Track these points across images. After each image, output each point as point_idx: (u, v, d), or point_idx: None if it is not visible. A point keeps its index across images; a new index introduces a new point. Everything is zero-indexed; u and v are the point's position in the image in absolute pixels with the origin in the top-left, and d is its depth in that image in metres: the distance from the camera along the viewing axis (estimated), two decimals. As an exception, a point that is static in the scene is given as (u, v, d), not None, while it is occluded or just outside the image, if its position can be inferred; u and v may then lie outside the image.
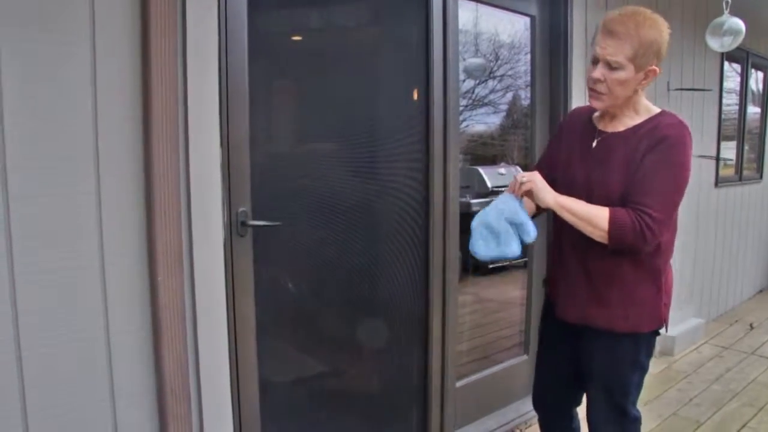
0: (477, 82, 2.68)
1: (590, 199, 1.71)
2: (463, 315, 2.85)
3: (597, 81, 1.67)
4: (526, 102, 3.01)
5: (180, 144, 1.60)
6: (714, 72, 4.34)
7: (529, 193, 1.69)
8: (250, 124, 1.81)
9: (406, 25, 2.30)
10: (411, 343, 2.46)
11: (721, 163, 4.60)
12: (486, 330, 3.14)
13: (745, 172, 5.14)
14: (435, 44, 2.29)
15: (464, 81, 2.58)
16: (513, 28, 2.88)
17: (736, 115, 5.02)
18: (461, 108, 2.56)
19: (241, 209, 1.81)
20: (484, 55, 2.83)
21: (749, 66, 4.94)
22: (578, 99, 2.95)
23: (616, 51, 1.62)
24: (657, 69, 1.66)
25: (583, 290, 1.79)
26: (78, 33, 1.43)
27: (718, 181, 4.56)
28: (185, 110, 1.61)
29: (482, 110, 2.71)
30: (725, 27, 3.13)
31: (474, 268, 3.09)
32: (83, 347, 1.49)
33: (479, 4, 2.61)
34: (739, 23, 3.11)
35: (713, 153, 4.41)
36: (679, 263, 4.08)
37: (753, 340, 4.24)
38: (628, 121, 1.74)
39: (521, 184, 1.69)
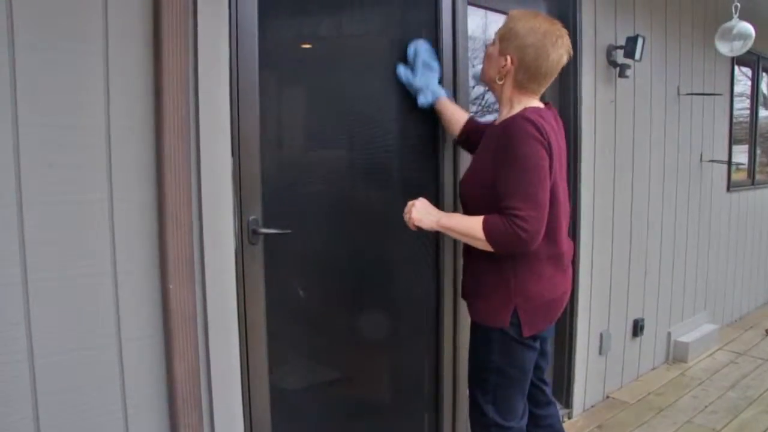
0: (487, 88, 2.68)
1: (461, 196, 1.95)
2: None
3: None
4: (535, 108, 3.00)
5: (192, 152, 1.61)
6: (724, 76, 4.32)
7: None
8: (260, 132, 1.81)
9: (416, 32, 2.30)
10: (422, 349, 2.45)
11: (733, 167, 4.57)
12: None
13: (758, 176, 5.09)
14: (444, 51, 2.29)
15: (474, 87, 2.57)
16: (522, 35, 2.87)
17: (748, 119, 4.98)
18: (471, 114, 2.55)
19: (252, 217, 1.81)
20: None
21: (760, 69, 4.91)
22: (588, 104, 2.94)
23: (499, 28, 1.84)
24: (508, 59, 1.77)
25: (464, 273, 1.97)
26: (91, 42, 1.44)
27: (731, 186, 4.52)
28: (197, 118, 1.62)
29: (492, 117, 2.70)
30: (735, 31, 3.12)
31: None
32: (95, 355, 1.50)
33: (488, 11, 2.61)
34: (748, 27, 3.10)
35: (725, 157, 4.38)
36: (693, 268, 4.05)
37: (768, 346, 4.20)
38: (504, 115, 1.85)
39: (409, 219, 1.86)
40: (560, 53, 1.78)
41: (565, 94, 2.93)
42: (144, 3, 1.52)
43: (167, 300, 1.58)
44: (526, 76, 1.78)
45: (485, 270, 1.82)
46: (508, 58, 1.77)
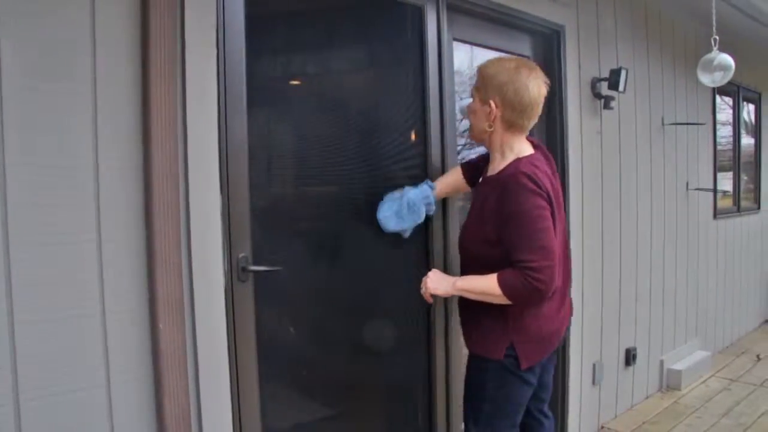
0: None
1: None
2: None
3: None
4: (522, 140, 3.03)
5: (180, 192, 1.61)
6: (706, 106, 4.40)
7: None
8: (249, 170, 1.82)
9: (402, 67, 2.33)
10: (416, 383, 2.43)
11: (719, 194, 4.62)
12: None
13: (743, 203, 5.16)
14: (431, 86, 2.32)
15: (461, 120, 2.60)
16: (507, 68, 2.92)
17: (731, 147, 5.06)
18: (459, 147, 2.58)
19: (241, 255, 1.80)
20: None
21: (740, 99, 5.01)
22: (574, 136, 2.98)
23: (474, 84, 1.90)
24: (492, 103, 1.80)
25: (462, 306, 1.99)
26: (80, 84, 1.46)
27: (717, 213, 4.58)
28: (185, 158, 1.63)
29: (480, 149, 2.73)
30: (715, 63, 3.18)
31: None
32: (83, 397, 1.48)
33: (474, 47, 2.66)
34: (728, 59, 3.16)
35: (710, 185, 4.44)
36: (683, 295, 4.07)
37: (761, 372, 4.20)
38: (497, 165, 1.88)
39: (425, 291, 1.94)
40: (538, 83, 1.80)
41: (551, 126, 2.97)
42: (132, 43, 1.54)
43: (157, 340, 1.56)
44: (513, 113, 1.80)
45: (485, 307, 1.82)
46: (491, 102, 1.80)
